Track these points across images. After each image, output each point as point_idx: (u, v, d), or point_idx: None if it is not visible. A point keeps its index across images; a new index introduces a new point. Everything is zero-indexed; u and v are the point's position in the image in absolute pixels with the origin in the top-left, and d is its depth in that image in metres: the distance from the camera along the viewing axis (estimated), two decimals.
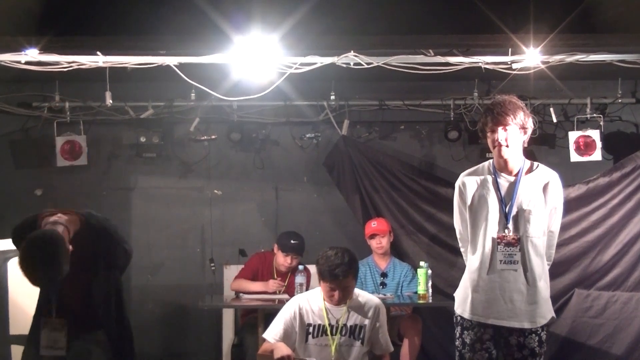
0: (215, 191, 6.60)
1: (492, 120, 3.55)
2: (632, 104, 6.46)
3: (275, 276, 5.65)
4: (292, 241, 5.57)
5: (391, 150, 6.54)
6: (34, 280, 3.32)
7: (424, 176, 6.30)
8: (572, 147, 6.19)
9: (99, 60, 4.81)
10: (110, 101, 5.47)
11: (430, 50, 4.79)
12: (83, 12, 4.18)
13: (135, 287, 6.37)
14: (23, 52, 4.56)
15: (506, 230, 3.59)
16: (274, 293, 5.50)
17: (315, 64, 4.90)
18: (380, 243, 5.80)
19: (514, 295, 3.61)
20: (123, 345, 3.76)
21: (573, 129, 6.28)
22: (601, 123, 6.26)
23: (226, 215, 6.60)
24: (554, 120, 6.22)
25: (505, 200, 3.60)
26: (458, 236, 3.85)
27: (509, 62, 4.96)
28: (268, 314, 4.83)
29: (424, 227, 6.18)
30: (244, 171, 6.63)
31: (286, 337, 4.03)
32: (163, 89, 6.23)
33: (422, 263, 5.33)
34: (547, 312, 3.69)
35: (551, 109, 6.20)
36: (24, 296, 5.01)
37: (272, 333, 4.06)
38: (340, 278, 3.92)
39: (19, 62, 4.74)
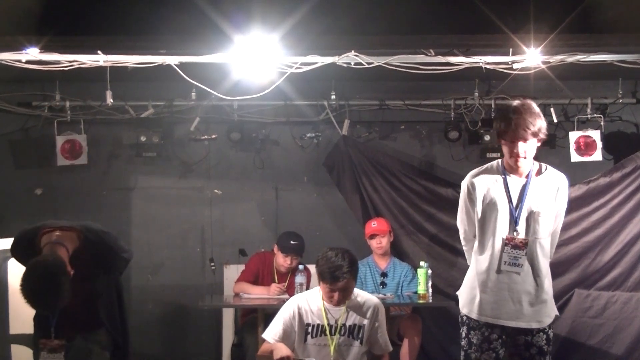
0: (215, 191, 6.60)
1: (512, 133, 3.49)
2: (632, 104, 6.47)
3: (276, 276, 5.66)
4: (291, 242, 5.57)
5: (391, 150, 6.54)
6: (35, 307, 3.33)
7: (424, 176, 6.31)
8: (572, 147, 6.19)
9: (99, 59, 4.81)
10: (111, 100, 5.47)
11: (431, 50, 4.78)
12: (83, 11, 4.19)
13: (135, 287, 6.36)
14: (24, 51, 4.56)
15: (515, 233, 3.59)
16: None
17: (315, 63, 4.90)
18: (380, 243, 5.79)
19: (522, 296, 3.62)
20: (122, 344, 3.78)
21: (573, 129, 6.29)
22: (601, 123, 6.26)
23: (226, 215, 6.60)
24: (555, 120, 6.22)
25: (515, 202, 3.60)
26: (462, 235, 3.84)
27: (509, 62, 4.96)
28: (268, 314, 4.84)
29: (424, 227, 6.19)
30: (244, 171, 6.63)
31: (285, 337, 4.03)
32: (163, 88, 6.23)
33: (422, 263, 5.33)
34: (552, 310, 3.72)
35: (552, 109, 6.20)
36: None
37: (272, 333, 4.06)
38: (340, 279, 3.91)
39: (19, 61, 4.74)
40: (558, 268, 5.44)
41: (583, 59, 4.87)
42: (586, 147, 6.18)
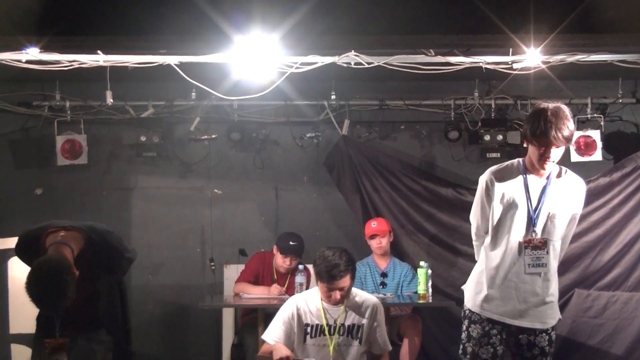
0: (215, 191, 6.60)
1: (545, 138, 3.44)
2: (632, 104, 6.46)
3: (276, 277, 5.66)
4: (290, 243, 5.57)
5: (391, 150, 6.54)
6: (40, 308, 3.32)
7: (424, 176, 6.30)
8: (572, 147, 6.17)
9: (99, 59, 4.81)
10: (111, 100, 5.47)
11: (431, 50, 4.78)
12: (83, 11, 4.19)
13: (135, 287, 6.35)
14: (24, 51, 4.57)
15: (533, 234, 3.59)
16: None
17: (315, 63, 4.90)
18: (380, 243, 5.79)
19: (529, 296, 3.63)
20: (124, 345, 3.78)
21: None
22: (601, 123, 6.26)
23: (226, 215, 6.60)
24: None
25: (534, 203, 3.60)
26: (474, 230, 3.83)
27: (509, 62, 4.96)
28: (268, 314, 4.84)
29: (424, 227, 6.18)
30: (244, 171, 6.63)
31: (285, 337, 4.03)
32: (163, 88, 6.23)
33: (422, 263, 5.33)
34: (556, 313, 3.75)
35: None
36: (24, 296, 5.01)
37: (271, 334, 4.06)
38: (337, 278, 3.91)
39: (19, 61, 4.74)
40: (558, 268, 5.43)
41: (583, 59, 4.87)
42: (586, 147, 6.17)
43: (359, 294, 4.14)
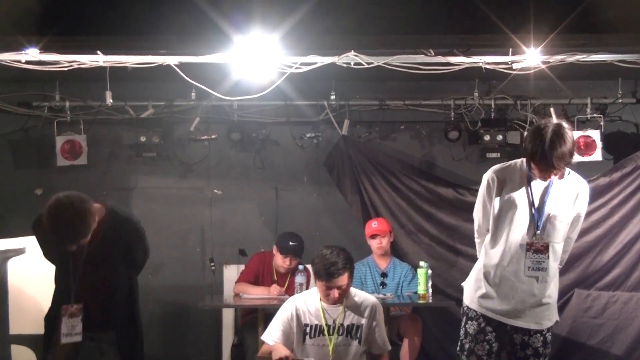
0: (215, 191, 6.60)
1: (546, 163, 3.42)
2: (632, 104, 6.46)
3: (275, 277, 5.66)
4: (290, 243, 5.57)
5: (391, 150, 6.54)
6: (58, 237, 3.36)
7: (424, 176, 6.30)
8: None
9: (99, 59, 4.82)
10: (111, 101, 5.47)
11: (431, 50, 4.79)
12: (83, 11, 4.18)
13: None
14: (23, 52, 4.57)
15: (535, 236, 3.60)
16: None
17: (315, 63, 4.90)
18: (380, 243, 5.79)
19: (526, 296, 3.64)
20: (134, 346, 3.79)
21: (573, 129, 6.26)
22: (601, 123, 6.26)
23: (226, 215, 6.60)
24: (555, 120, 6.21)
25: (536, 204, 3.60)
26: (476, 227, 3.85)
27: (509, 62, 4.96)
28: (268, 314, 4.83)
29: (424, 227, 6.19)
30: (244, 171, 6.63)
31: (284, 338, 4.03)
32: (163, 88, 6.23)
33: (422, 263, 5.33)
34: (553, 314, 3.74)
35: (551, 109, 6.21)
36: (24, 296, 5.01)
37: (271, 335, 4.06)
38: (335, 276, 3.92)
39: (19, 61, 4.74)
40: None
41: (583, 59, 4.87)
42: (586, 147, 6.17)
43: (358, 294, 4.15)
